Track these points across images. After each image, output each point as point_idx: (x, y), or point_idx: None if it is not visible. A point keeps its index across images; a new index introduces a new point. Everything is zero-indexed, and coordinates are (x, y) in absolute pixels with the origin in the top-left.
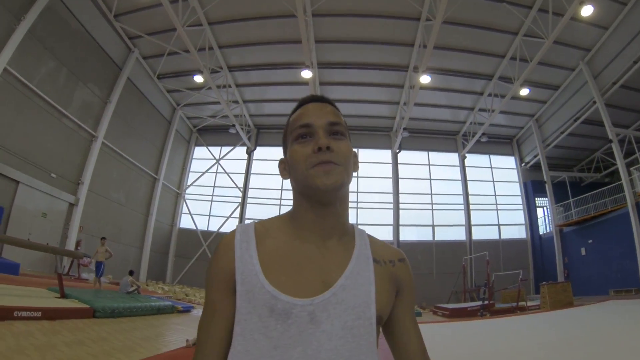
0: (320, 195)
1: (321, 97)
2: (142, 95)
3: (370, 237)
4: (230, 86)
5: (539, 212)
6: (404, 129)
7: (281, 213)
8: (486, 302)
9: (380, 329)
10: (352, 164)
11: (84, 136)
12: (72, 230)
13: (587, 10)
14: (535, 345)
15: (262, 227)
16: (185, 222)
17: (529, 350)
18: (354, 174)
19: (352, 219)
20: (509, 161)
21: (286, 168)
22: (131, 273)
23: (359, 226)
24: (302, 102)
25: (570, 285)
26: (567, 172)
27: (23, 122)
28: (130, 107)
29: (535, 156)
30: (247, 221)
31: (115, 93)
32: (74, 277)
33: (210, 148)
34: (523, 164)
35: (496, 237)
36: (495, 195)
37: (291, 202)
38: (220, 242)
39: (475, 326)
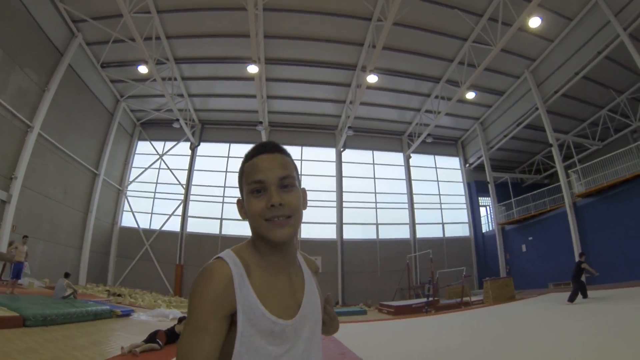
0: (275, 244)
1: (271, 146)
2: (83, 84)
3: (301, 254)
4: (175, 79)
5: (482, 211)
6: (349, 127)
7: (242, 243)
8: (431, 299)
9: None
10: (302, 206)
11: (18, 126)
12: (4, 230)
13: (534, 22)
14: (479, 339)
15: (244, 261)
16: (126, 220)
17: (471, 344)
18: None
19: None
20: (454, 162)
21: (244, 210)
22: (66, 275)
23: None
24: (255, 153)
25: (512, 280)
26: (509, 174)
27: None
28: (70, 96)
29: (479, 158)
30: (190, 219)
31: (55, 80)
32: (6, 282)
33: (153, 143)
34: (467, 165)
35: (440, 235)
36: (439, 194)
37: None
38: (215, 272)
39: (419, 323)
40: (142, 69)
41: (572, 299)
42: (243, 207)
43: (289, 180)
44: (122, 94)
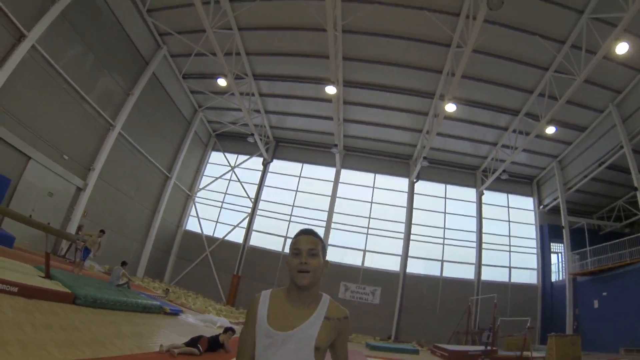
0: (299, 287)
1: (309, 231)
2: (165, 92)
3: (331, 302)
4: (253, 94)
5: (553, 257)
6: (424, 158)
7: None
8: (489, 348)
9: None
10: (322, 269)
11: (102, 123)
12: (76, 214)
13: (622, 48)
14: None
15: (273, 295)
16: (191, 225)
17: None
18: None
19: (358, 244)
20: (528, 202)
21: (287, 265)
22: (123, 264)
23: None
24: (299, 234)
25: (580, 339)
26: (586, 219)
27: (43, 101)
28: (151, 102)
29: (555, 199)
30: (254, 233)
31: (139, 86)
32: (70, 260)
33: (226, 154)
34: (541, 207)
35: (506, 279)
36: (509, 236)
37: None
38: (254, 299)
39: None
40: (221, 82)
41: None
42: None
43: (315, 251)
44: (200, 105)
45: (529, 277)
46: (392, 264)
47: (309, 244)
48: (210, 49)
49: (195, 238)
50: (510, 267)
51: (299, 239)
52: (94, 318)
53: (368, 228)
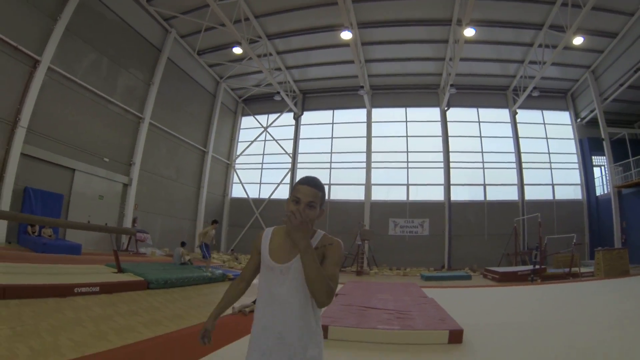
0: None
1: (311, 182)
2: (184, 73)
3: (324, 235)
4: (271, 54)
5: (596, 171)
6: (451, 85)
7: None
8: (537, 267)
9: None
10: (317, 217)
11: (131, 119)
12: (128, 209)
13: None
14: (589, 316)
15: (275, 232)
16: (236, 192)
17: (576, 321)
18: None
19: (401, 179)
20: (564, 117)
21: (285, 206)
22: (182, 244)
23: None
24: (302, 182)
25: (627, 252)
26: (627, 129)
27: (72, 114)
28: (173, 85)
29: (591, 111)
30: None
31: (157, 74)
32: (132, 252)
33: (257, 117)
34: (578, 120)
35: (550, 197)
36: (549, 153)
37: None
38: (258, 235)
39: (523, 292)
40: (237, 50)
41: None
42: (287, 205)
43: (312, 203)
44: (221, 76)
45: (573, 193)
46: (436, 194)
47: (309, 196)
48: (218, 21)
49: (243, 203)
50: (553, 185)
51: (301, 189)
52: (168, 297)
53: (407, 162)
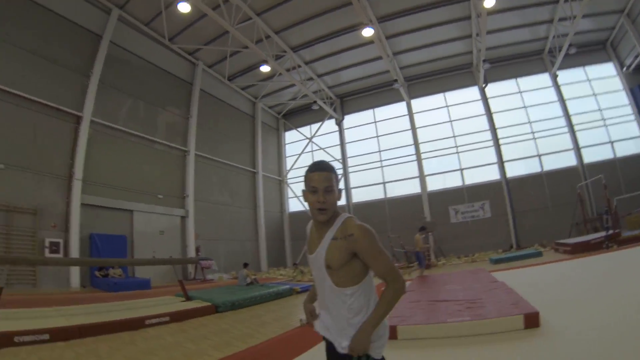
0: (318, 221)
1: (323, 167)
2: (219, 100)
3: (344, 222)
4: (299, 66)
5: None
6: (484, 61)
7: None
8: (610, 232)
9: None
10: (337, 200)
11: (177, 154)
12: (189, 239)
13: None
14: None
15: (311, 225)
16: (293, 206)
17: None
18: None
19: (453, 165)
20: (608, 68)
21: (305, 198)
22: (245, 265)
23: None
24: (313, 169)
25: None
26: None
27: (121, 159)
28: (211, 114)
29: (636, 56)
30: (352, 191)
31: (194, 107)
32: (199, 280)
33: (299, 129)
34: (624, 69)
35: (611, 156)
36: (600, 109)
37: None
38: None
39: (599, 261)
40: (265, 68)
41: None
42: (305, 197)
43: (330, 187)
44: (256, 96)
45: (635, 147)
46: (491, 174)
47: (325, 181)
48: (241, 44)
49: (302, 216)
50: (611, 142)
51: (314, 177)
52: (237, 318)
53: (457, 147)
